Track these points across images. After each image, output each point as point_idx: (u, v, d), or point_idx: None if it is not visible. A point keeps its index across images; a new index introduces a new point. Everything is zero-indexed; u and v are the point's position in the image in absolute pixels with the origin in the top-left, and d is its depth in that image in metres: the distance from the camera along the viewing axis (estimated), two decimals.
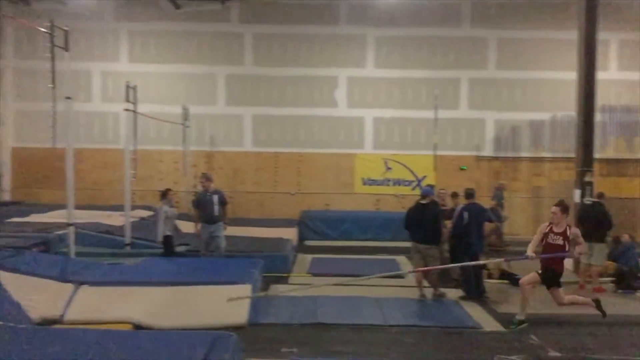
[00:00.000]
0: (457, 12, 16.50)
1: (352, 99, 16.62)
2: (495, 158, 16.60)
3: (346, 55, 16.54)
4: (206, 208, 9.45)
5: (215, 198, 9.48)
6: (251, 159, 16.65)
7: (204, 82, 16.60)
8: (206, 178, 9.81)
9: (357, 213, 15.83)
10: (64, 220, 9.97)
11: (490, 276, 9.81)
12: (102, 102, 16.57)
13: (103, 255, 10.06)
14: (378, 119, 16.61)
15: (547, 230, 7.00)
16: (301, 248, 13.33)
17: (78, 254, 9.23)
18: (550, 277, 6.97)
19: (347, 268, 10.66)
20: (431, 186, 10.89)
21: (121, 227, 11.32)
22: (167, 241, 9.56)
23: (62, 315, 6.60)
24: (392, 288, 9.20)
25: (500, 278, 9.90)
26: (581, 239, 7.16)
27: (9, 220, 12.11)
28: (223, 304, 6.74)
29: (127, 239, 10.82)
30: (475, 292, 8.56)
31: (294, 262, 11.41)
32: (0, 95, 16.55)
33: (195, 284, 7.31)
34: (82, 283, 7.25)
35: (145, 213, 14.05)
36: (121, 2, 16.38)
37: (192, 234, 10.20)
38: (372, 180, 16.62)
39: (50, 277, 7.45)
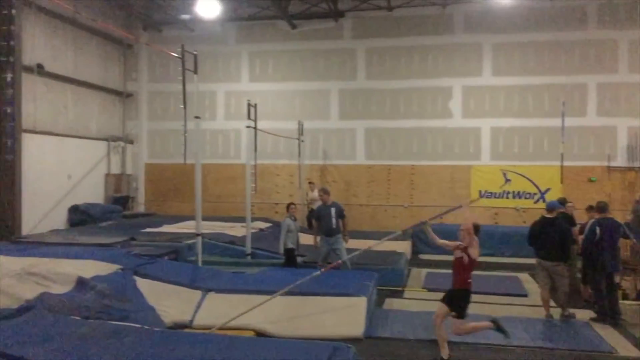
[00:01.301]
0: (582, 14, 15.44)
1: (468, 109, 16.14)
2: (630, 168, 15.15)
3: (461, 65, 16.13)
4: (325, 221, 9.64)
5: (333, 211, 9.65)
6: (363, 172, 16.74)
7: (318, 97, 17.04)
8: (324, 191, 10.04)
9: None
10: (192, 231, 10.69)
11: (625, 296, 8.95)
12: (225, 119, 17.61)
13: (226, 264, 10.61)
14: (496, 128, 15.95)
15: None
16: (415, 262, 13.09)
17: (204, 263, 9.84)
18: None
19: None
20: (563, 200, 10.09)
21: (242, 238, 11.87)
22: (289, 254, 9.86)
23: (191, 320, 7.04)
24: (516, 307, 8.74)
25: (638, 298, 8.99)
26: None
27: (143, 230, 13.16)
28: (340, 316, 6.80)
29: (248, 249, 11.31)
30: (609, 313, 7.86)
31: (408, 275, 11.23)
32: (136, 116, 18.21)
33: (313, 295, 7.45)
34: (209, 290, 7.70)
35: (263, 225, 14.63)
36: (243, 26, 17.39)
37: (310, 246, 10.40)
38: (490, 192, 15.93)
39: (181, 284, 8.00)
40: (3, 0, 11.46)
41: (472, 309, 8.34)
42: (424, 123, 16.34)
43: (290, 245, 9.82)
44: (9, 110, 11.83)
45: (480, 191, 15.99)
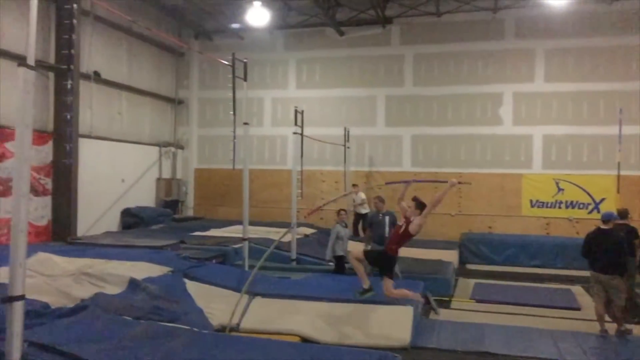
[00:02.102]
0: None
1: (519, 116, 15.74)
2: None
3: (512, 70, 15.76)
4: (378, 229, 9.62)
5: (387, 219, 9.61)
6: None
7: (365, 104, 17.00)
8: (379, 199, 10.01)
9: (524, 237, 14.80)
10: (239, 235, 10.86)
11: None
12: (272, 126, 17.82)
13: (272, 269, 10.68)
14: (548, 136, 15.48)
15: None
16: (462, 271, 12.83)
17: (251, 267, 9.95)
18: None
19: (514, 296, 10.02)
20: (624, 212, 9.58)
21: (288, 243, 11.95)
22: (339, 261, 9.85)
23: (238, 324, 7.12)
24: (568, 321, 8.43)
25: None
26: None
27: (192, 233, 13.45)
28: (386, 324, 6.74)
29: (293, 255, 11.38)
30: None
31: (456, 285, 11.02)
32: (187, 122, 18.67)
33: (358, 303, 7.40)
34: (256, 294, 7.78)
35: (308, 230, 14.71)
36: (291, 33, 17.58)
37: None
38: (541, 202, 15.46)
39: (228, 287, 8.13)
40: (64, 10, 11.99)
41: (523, 321, 8.17)
42: (473, 130, 16.04)
43: (340, 253, 9.79)
44: (68, 116, 12.35)
45: (531, 200, 15.56)
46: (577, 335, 7.53)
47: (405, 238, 6.93)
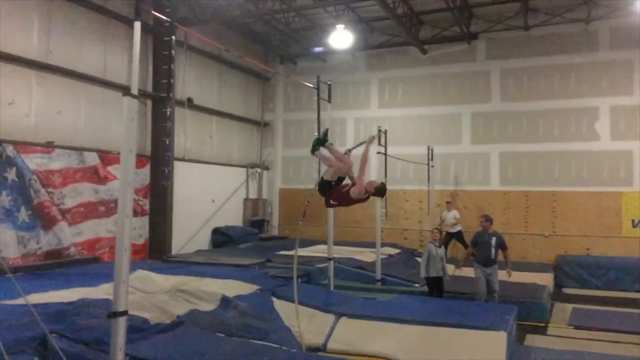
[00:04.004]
0: None
1: (617, 130, 14.78)
2: None
3: (609, 83, 14.87)
4: (484, 249, 9.35)
5: (494, 240, 9.32)
6: (498, 198, 15.96)
7: (449, 122, 16.68)
8: (486, 219, 9.66)
9: (626, 260, 13.73)
10: (323, 255, 10.93)
11: None
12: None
13: (356, 289, 10.65)
14: None
15: None
16: (558, 296, 12.13)
17: (335, 287, 9.97)
18: None
19: (616, 323, 9.31)
20: None
21: (371, 263, 11.86)
22: (430, 282, 9.60)
23: (324, 344, 7.13)
24: None
25: None
26: None
27: (277, 252, 13.71)
28: (478, 350, 6.48)
29: (378, 275, 11.27)
30: None
31: (552, 311, 10.40)
32: (272, 144, 19.21)
33: (448, 326, 7.19)
34: (342, 315, 7.75)
35: (392, 250, 14.52)
36: (373, 54, 17.69)
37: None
38: None
39: (314, 307, 8.16)
40: (163, 42, 12.85)
41: (627, 350, 7.55)
42: (567, 146, 15.24)
43: (433, 274, 9.51)
44: (167, 141, 13.15)
45: (633, 220, 14.47)
46: None
47: (346, 199, 6.26)
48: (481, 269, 9.29)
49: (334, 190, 6.30)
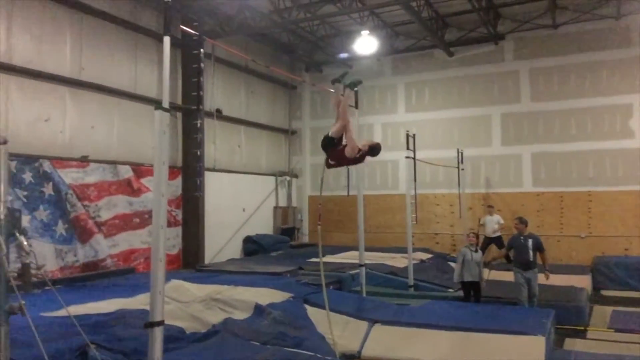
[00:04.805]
0: None
1: None
2: None
3: None
4: (521, 253, 9.20)
5: (530, 242, 9.17)
6: (531, 200, 15.67)
7: (478, 124, 16.49)
8: (520, 221, 9.48)
9: None
10: (354, 261, 10.91)
11: None
12: (383, 151, 17.63)
13: (389, 295, 10.58)
14: None
15: None
16: (597, 298, 11.83)
17: (367, 293, 9.93)
18: None
19: None
20: None
21: (403, 269, 11.77)
22: (465, 287, 9.49)
23: (359, 351, 7.11)
24: None
25: None
26: None
27: (309, 260, 13.71)
28: (515, 355, 6.36)
29: (410, 281, 11.18)
30: None
31: (591, 314, 10.15)
32: (300, 151, 19.30)
33: (484, 332, 7.08)
34: (376, 321, 7.71)
35: (424, 255, 14.38)
36: (399, 58, 17.64)
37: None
38: None
39: (347, 314, 8.14)
40: (191, 55, 13.05)
41: None
42: (601, 145, 14.88)
43: (468, 278, 9.36)
44: (198, 152, 13.36)
45: None
46: None
47: (343, 159, 6.32)
48: (521, 273, 9.11)
49: (332, 151, 6.36)
